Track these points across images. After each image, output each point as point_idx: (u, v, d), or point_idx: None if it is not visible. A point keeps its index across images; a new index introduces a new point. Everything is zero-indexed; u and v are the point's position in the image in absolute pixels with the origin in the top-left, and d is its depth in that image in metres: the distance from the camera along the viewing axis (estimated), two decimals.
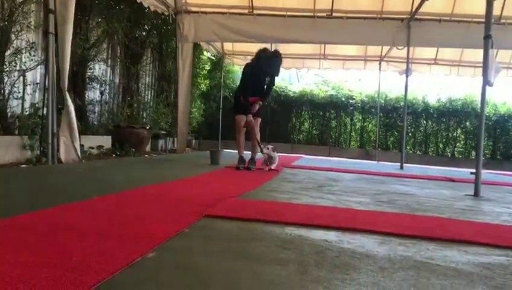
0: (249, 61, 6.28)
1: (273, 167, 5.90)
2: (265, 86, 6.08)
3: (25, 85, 6.25)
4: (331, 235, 2.10)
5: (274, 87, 14.41)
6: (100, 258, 1.46)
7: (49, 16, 5.20)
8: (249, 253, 1.73)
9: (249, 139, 6.22)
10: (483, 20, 4.84)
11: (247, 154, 6.07)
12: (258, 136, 6.13)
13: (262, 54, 5.96)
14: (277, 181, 4.64)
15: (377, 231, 2.22)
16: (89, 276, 1.28)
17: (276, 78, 6.26)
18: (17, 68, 6.05)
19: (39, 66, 6.39)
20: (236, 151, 6.17)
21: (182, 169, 5.66)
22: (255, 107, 5.99)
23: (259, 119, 6.14)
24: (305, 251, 1.79)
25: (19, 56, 6.00)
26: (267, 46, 6.68)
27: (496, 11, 6.54)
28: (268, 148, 5.88)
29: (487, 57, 4.49)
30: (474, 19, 7.91)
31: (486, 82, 4.51)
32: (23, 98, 6.20)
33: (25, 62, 6.16)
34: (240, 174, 5.20)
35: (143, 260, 1.52)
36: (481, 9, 5.09)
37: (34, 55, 6.17)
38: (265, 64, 5.87)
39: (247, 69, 6.12)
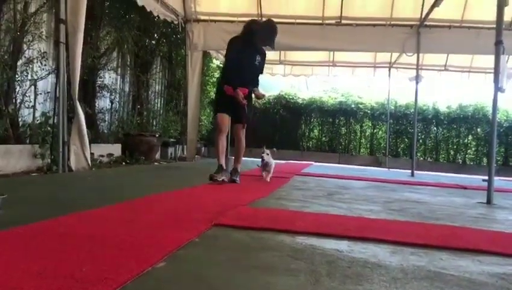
0: (236, 34, 4.98)
1: (268, 179, 5.17)
2: (257, 69, 4.93)
3: (36, 94, 6.30)
4: (343, 245, 2.08)
5: (283, 94, 14.28)
6: (110, 268, 1.46)
7: (60, 26, 5.24)
8: (260, 263, 1.71)
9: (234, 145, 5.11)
10: (493, 26, 4.83)
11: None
12: (244, 144, 5.02)
13: (254, 27, 4.81)
14: (287, 189, 4.62)
15: (388, 240, 2.19)
16: (99, 287, 1.28)
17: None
18: (29, 77, 6.11)
19: (50, 75, 6.45)
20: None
21: (191, 177, 5.66)
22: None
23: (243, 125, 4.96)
24: (317, 260, 1.77)
25: (30, 65, 6.06)
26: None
27: (507, 17, 6.49)
28: (268, 154, 5.15)
29: (498, 63, 4.46)
30: (485, 25, 7.86)
31: (498, 88, 4.46)
32: (34, 107, 6.25)
33: (37, 71, 6.22)
34: (249, 182, 5.14)
35: (153, 269, 1.51)
36: (491, 16, 5.07)
37: (45, 65, 6.23)
38: (261, 39, 4.79)
39: (235, 45, 4.80)
